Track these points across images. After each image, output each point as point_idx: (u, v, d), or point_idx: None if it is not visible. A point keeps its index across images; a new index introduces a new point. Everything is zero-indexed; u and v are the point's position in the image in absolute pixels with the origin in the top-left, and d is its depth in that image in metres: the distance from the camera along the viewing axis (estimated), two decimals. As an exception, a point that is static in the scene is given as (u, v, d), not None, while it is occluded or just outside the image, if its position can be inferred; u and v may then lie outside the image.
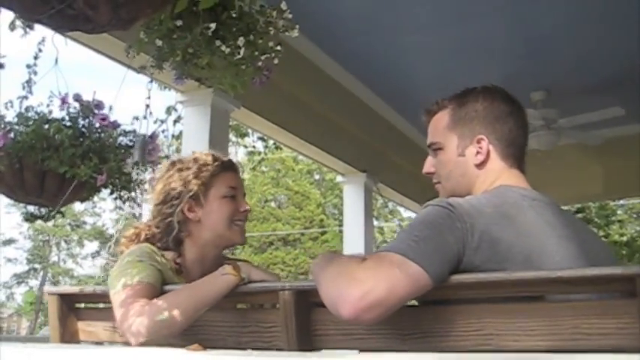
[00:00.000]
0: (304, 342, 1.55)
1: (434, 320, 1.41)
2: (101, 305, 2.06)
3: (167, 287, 1.80)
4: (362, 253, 1.50)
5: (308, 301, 1.57)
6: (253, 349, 1.66)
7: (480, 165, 1.65)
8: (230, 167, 2.08)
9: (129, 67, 1.93)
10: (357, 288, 1.27)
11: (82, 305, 2.12)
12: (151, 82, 2.17)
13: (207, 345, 1.41)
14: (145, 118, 2.21)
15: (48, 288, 2.10)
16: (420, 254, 1.31)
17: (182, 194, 1.98)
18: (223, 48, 1.49)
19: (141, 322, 1.65)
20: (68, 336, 2.00)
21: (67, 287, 2.26)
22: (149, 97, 2.24)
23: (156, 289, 1.78)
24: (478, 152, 1.65)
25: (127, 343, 1.70)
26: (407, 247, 1.33)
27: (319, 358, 1.10)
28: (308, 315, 1.57)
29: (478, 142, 1.65)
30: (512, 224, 1.42)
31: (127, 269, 1.80)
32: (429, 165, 1.78)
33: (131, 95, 2.62)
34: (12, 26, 1.58)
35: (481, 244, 1.36)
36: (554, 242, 1.44)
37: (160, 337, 1.64)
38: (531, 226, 1.45)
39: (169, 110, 4.80)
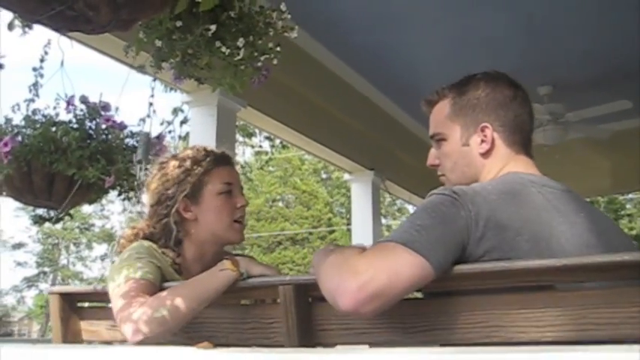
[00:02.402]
0: (305, 337, 1.51)
1: (438, 312, 1.37)
2: (103, 304, 2.03)
3: (166, 284, 1.78)
4: (364, 244, 1.46)
5: (308, 295, 1.53)
6: (255, 345, 1.62)
7: (486, 154, 1.59)
8: (224, 161, 2.02)
9: (131, 67, 1.94)
10: (356, 279, 1.22)
11: (86, 305, 2.12)
12: (155, 80, 2.18)
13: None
14: (148, 116, 2.20)
15: (49, 287, 2.09)
16: (423, 244, 1.26)
17: (176, 194, 1.93)
18: (223, 49, 1.49)
19: (139, 319, 1.62)
20: (71, 336, 1.98)
21: (68, 286, 2.25)
22: (152, 96, 2.24)
23: (155, 287, 1.75)
24: (483, 141, 1.60)
25: (125, 341, 1.68)
26: (409, 236, 1.28)
27: (327, 354, 1.07)
28: (309, 309, 1.53)
29: (482, 130, 1.60)
30: (518, 211, 1.37)
31: (129, 263, 1.77)
32: (432, 157, 1.72)
33: (138, 98, 2.63)
34: (11, 26, 1.59)
35: (486, 233, 1.31)
36: (565, 229, 1.38)
37: (158, 335, 1.62)
38: (540, 213, 1.39)
39: (176, 111, 4.81)
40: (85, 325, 2.02)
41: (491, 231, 1.31)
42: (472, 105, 1.63)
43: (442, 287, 1.33)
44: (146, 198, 2.03)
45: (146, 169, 2.11)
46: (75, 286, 2.71)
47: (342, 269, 1.27)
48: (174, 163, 1.98)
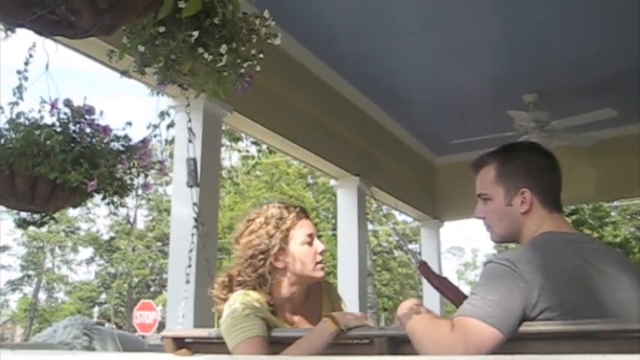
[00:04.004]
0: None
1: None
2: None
3: (274, 334, 2.12)
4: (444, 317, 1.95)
5: (397, 341, 1.88)
6: None
7: (526, 213, 1.92)
8: (303, 216, 2.37)
9: (116, 71, 1.93)
10: (452, 353, 1.62)
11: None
12: (158, 92, 2.18)
13: None
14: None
15: (163, 333, 2.39)
16: (496, 319, 1.61)
17: (269, 249, 2.25)
18: (206, 55, 1.49)
19: None
20: None
21: (181, 330, 2.52)
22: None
23: (265, 339, 2.09)
24: (522, 202, 1.92)
25: None
26: (484, 313, 1.62)
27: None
28: (397, 350, 1.88)
29: (522, 193, 1.93)
30: (561, 274, 1.68)
31: (237, 325, 2.10)
32: (480, 212, 2.05)
33: (125, 102, 2.63)
34: (-7, 30, 1.57)
35: (540, 298, 1.63)
36: (599, 281, 1.71)
37: None
38: (579, 272, 1.71)
39: (162, 115, 4.79)
40: None
41: (543, 297, 1.63)
42: (514, 172, 1.97)
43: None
44: (236, 250, 2.36)
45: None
46: (187, 330, 2.76)
47: (442, 346, 1.66)
48: (260, 220, 2.32)
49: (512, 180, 1.96)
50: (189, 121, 2.83)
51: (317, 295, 2.40)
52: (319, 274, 2.32)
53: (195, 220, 2.89)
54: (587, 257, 1.76)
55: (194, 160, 2.58)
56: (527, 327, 1.63)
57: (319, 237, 2.42)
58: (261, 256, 2.26)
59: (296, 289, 2.31)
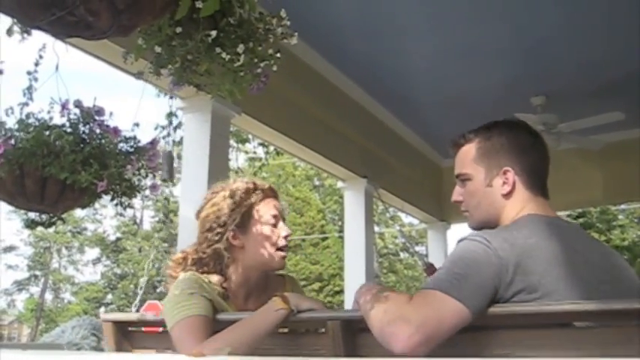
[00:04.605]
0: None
1: (471, 345, 1.52)
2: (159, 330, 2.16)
3: (219, 317, 1.93)
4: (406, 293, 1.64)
5: (353, 328, 1.69)
6: None
7: (507, 195, 1.76)
8: (271, 195, 2.20)
9: (129, 73, 1.94)
10: (408, 327, 1.41)
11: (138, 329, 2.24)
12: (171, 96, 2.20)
13: None
14: (165, 132, 2.25)
15: (103, 315, 2.23)
16: (462, 292, 1.45)
17: (227, 223, 2.09)
18: (223, 55, 1.49)
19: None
20: None
21: (119, 314, 2.42)
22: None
23: (209, 320, 1.89)
24: (504, 183, 1.76)
25: None
26: (450, 285, 1.46)
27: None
28: (354, 340, 1.70)
29: (504, 173, 1.77)
30: (541, 255, 1.53)
31: (179, 303, 1.91)
32: (457, 194, 1.88)
33: (133, 103, 2.63)
34: (10, 32, 1.58)
35: (515, 278, 1.49)
36: (582, 268, 1.56)
37: None
38: (559, 255, 1.55)
39: (170, 116, 4.80)
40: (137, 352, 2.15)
41: (518, 276, 1.49)
42: (496, 150, 1.80)
43: (475, 323, 1.49)
44: (197, 225, 2.19)
45: (173, 185, 2.23)
46: (126, 314, 2.74)
47: (394, 317, 1.45)
48: (224, 193, 2.14)
49: (494, 158, 1.79)
50: (171, 106, 2.77)
51: (278, 289, 2.12)
52: (278, 263, 2.13)
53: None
54: (571, 243, 1.60)
55: (170, 153, 2.50)
56: (499, 308, 1.48)
57: (284, 219, 2.22)
58: (218, 230, 2.09)
59: (253, 275, 2.12)
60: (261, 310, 1.85)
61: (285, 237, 2.15)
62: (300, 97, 5.01)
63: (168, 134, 2.55)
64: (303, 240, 27.23)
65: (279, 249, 2.12)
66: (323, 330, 1.78)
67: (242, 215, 2.10)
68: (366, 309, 1.56)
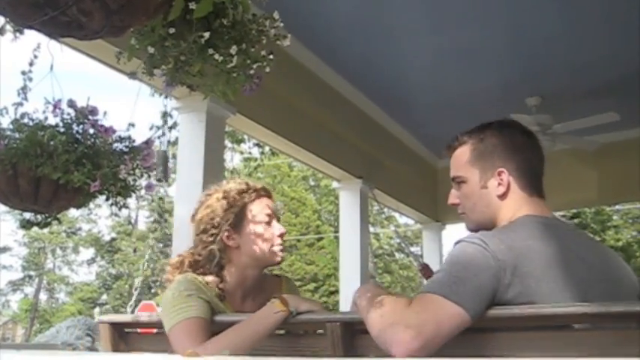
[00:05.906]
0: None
1: (469, 348, 1.52)
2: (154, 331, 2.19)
3: (217, 318, 1.93)
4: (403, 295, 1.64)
5: (353, 330, 1.70)
6: None
7: (502, 196, 1.76)
8: (264, 194, 2.21)
9: (123, 73, 1.93)
10: (408, 332, 1.41)
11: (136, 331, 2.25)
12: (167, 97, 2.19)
13: None
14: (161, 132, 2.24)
15: (100, 317, 2.23)
16: (461, 296, 1.44)
17: (221, 224, 2.10)
18: (216, 56, 1.49)
19: None
20: None
21: (116, 316, 2.40)
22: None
23: (206, 322, 1.90)
24: (499, 184, 1.76)
25: None
26: (448, 289, 1.46)
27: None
28: (352, 341, 1.71)
29: (499, 174, 1.76)
30: (539, 257, 1.53)
31: (177, 305, 1.92)
32: (453, 197, 1.88)
33: (127, 102, 2.63)
34: (2, 31, 1.58)
35: (513, 280, 1.48)
36: (579, 268, 1.56)
37: None
38: (557, 256, 1.54)
39: (165, 116, 4.79)
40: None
41: (517, 278, 1.48)
42: (490, 151, 1.79)
43: (474, 326, 1.49)
44: (192, 228, 2.19)
45: (168, 185, 2.22)
46: (122, 316, 2.75)
47: (393, 322, 1.46)
48: (217, 195, 2.15)
49: (489, 159, 1.78)
50: (166, 106, 2.77)
51: (274, 290, 2.14)
52: (276, 258, 2.13)
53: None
54: (568, 243, 1.60)
55: (165, 152, 2.50)
56: (498, 310, 1.48)
57: (278, 218, 2.23)
58: (212, 231, 2.10)
59: (249, 274, 2.13)
60: (260, 312, 1.86)
61: (280, 236, 2.15)
62: (295, 97, 5.01)
63: (163, 134, 2.54)
64: (299, 240, 27.22)
65: (275, 246, 2.13)
66: (322, 331, 1.78)
67: (235, 215, 2.11)
68: (365, 312, 1.57)
